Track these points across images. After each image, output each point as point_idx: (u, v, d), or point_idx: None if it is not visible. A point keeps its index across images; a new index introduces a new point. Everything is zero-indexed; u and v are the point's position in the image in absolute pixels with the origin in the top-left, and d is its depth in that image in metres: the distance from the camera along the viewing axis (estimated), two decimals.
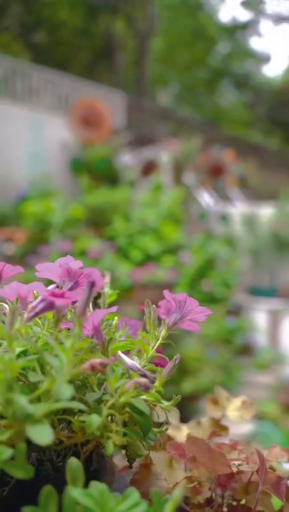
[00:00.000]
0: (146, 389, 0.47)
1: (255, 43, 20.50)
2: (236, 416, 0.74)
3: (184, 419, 0.81)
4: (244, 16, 17.44)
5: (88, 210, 6.75)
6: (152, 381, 0.50)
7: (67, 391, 0.39)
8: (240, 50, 17.31)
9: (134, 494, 0.40)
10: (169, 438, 0.73)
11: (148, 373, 0.49)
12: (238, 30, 16.86)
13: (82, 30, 14.07)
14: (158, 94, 16.16)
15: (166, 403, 0.52)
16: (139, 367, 0.49)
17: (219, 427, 0.74)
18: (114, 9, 13.69)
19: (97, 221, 6.80)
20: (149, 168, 7.78)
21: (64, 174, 7.93)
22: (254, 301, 6.49)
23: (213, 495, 0.64)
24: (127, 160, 8.05)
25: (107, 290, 0.73)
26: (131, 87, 13.98)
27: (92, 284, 0.47)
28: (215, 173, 7.69)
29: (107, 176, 7.71)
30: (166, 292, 0.59)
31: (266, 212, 6.89)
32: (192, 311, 0.59)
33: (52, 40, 14.34)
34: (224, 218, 7.19)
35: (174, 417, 0.76)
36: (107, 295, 0.69)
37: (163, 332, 0.58)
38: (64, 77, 9.27)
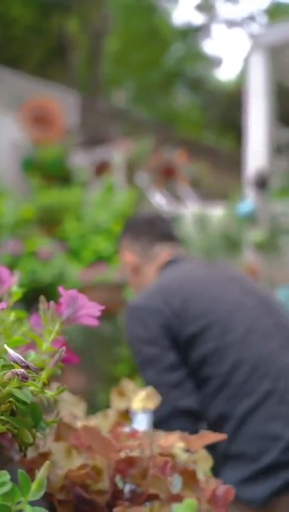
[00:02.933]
0: (23, 379, 0.49)
1: (207, 47, 20.82)
2: (140, 407, 0.78)
3: None
4: (197, 19, 17.70)
5: (40, 210, 6.67)
6: (36, 372, 0.53)
7: None
8: (193, 53, 17.57)
9: (3, 476, 0.43)
10: (76, 430, 0.76)
11: (31, 365, 0.52)
12: (191, 34, 17.10)
13: (35, 28, 13.91)
14: (113, 94, 16.17)
15: (50, 393, 0.55)
16: (22, 359, 0.51)
17: (124, 418, 0.77)
18: (67, 7, 13.61)
19: (49, 221, 6.74)
20: (101, 169, 7.79)
21: (15, 174, 7.81)
22: None
23: (110, 481, 0.68)
24: (80, 160, 8.02)
25: (13, 288, 0.75)
26: (85, 87, 13.94)
27: None
28: (167, 174, 7.79)
29: (59, 176, 7.67)
30: (60, 288, 0.62)
31: (217, 212, 7.03)
32: (84, 305, 0.62)
33: (4, 37, 14.08)
34: (176, 219, 7.29)
35: (79, 409, 0.79)
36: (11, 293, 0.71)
37: (56, 326, 0.61)
38: (16, 76, 9.14)
